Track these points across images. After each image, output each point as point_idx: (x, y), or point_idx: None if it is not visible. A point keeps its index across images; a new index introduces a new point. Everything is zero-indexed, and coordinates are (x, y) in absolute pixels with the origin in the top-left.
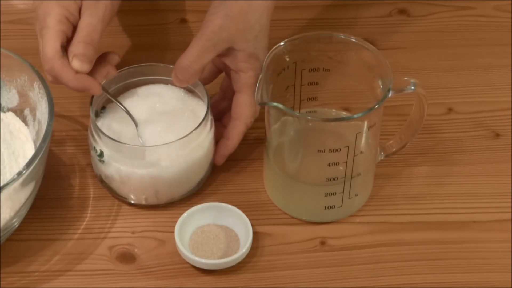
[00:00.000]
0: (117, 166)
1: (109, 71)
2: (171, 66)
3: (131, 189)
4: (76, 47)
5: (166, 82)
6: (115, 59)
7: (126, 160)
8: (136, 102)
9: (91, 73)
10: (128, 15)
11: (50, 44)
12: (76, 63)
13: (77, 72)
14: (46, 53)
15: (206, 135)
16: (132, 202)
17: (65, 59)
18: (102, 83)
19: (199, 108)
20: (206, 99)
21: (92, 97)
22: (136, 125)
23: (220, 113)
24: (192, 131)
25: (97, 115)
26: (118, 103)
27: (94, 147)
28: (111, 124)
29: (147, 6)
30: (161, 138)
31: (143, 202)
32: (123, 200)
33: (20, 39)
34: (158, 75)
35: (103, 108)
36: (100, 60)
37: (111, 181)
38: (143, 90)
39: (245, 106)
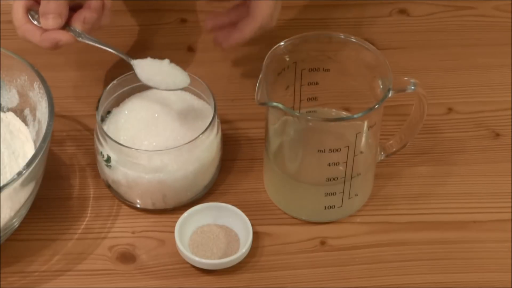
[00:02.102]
0: (124, 171)
1: (85, 16)
2: None
3: (138, 194)
4: (41, 7)
5: None
6: (96, 3)
7: (133, 165)
8: (142, 106)
9: (67, 23)
10: (128, 15)
11: (16, 12)
12: (43, 22)
13: (49, 29)
14: (14, 22)
15: (213, 138)
16: (140, 206)
17: (28, 25)
18: (116, 79)
19: (205, 111)
20: (212, 103)
21: (98, 101)
22: (130, 61)
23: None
24: (199, 135)
25: (102, 119)
26: (102, 46)
27: (101, 152)
28: (117, 128)
29: (147, 6)
30: (168, 142)
31: (151, 207)
32: (131, 205)
33: (20, 39)
34: None
35: (109, 112)
36: (78, 8)
37: (118, 186)
38: (149, 94)
39: (262, 4)
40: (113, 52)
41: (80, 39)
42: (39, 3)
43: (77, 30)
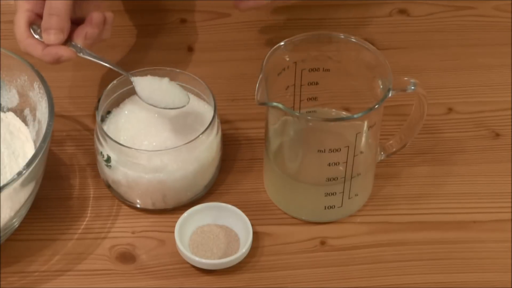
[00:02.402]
0: (124, 171)
1: (87, 31)
2: (177, 70)
3: (138, 194)
4: (43, 22)
5: None
6: (97, 17)
7: (133, 165)
8: (142, 106)
9: (69, 38)
10: (128, 15)
11: (18, 26)
12: (45, 37)
13: (50, 44)
14: (16, 36)
15: (213, 139)
16: (140, 206)
17: (30, 39)
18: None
19: (205, 111)
20: (212, 103)
21: (98, 101)
22: (131, 78)
23: None
24: (199, 135)
25: (102, 119)
26: (102, 62)
27: (101, 152)
28: (117, 128)
29: (147, 6)
30: (168, 142)
31: (151, 207)
32: (131, 205)
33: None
34: None
35: (109, 112)
36: (81, 23)
37: (118, 186)
38: None
39: None
40: (113, 69)
41: (81, 54)
42: (41, 18)
43: (79, 46)
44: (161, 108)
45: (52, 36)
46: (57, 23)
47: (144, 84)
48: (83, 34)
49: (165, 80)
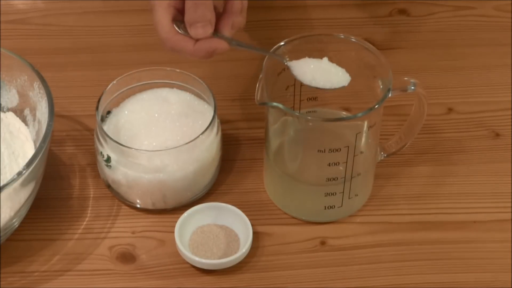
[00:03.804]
0: (124, 171)
1: (233, 21)
2: (177, 70)
3: (138, 194)
4: (188, 15)
5: (171, 86)
6: (238, 5)
7: (133, 165)
8: (142, 106)
9: (215, 31)
10: (128, 15)
11: (162, 24)
12: (193, 31)
13: (199, 38)
14: (159, 34)
15: (213, 139)
16: (140, 206)
17: (179, 35)
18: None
19: (205, 111)
20: (212, 103)
21: (98, 101)
22: (286, 63)
23: None
24: (199, 135)
25: (102, 119)
26: (253, 50)
27: (101, 152)
28: (117, 128)
29: (148, 6)
30: (168, 142)
31: (151, 207)
32: (131, 205)
33: (20, 39)
34: (164, 79)
35: (109, 112)
36: (221, 14)
37: (118, 186)
38: (149, 94)
39: None
40: (267, 54)
41: (231, 45)
42: (180, 13)
43: (226, 36)
44: (326, 88)
45: (200, 30)
46: (203, 15)
47: (303, 67)
48: (230, 23)
49: (324, 60)
